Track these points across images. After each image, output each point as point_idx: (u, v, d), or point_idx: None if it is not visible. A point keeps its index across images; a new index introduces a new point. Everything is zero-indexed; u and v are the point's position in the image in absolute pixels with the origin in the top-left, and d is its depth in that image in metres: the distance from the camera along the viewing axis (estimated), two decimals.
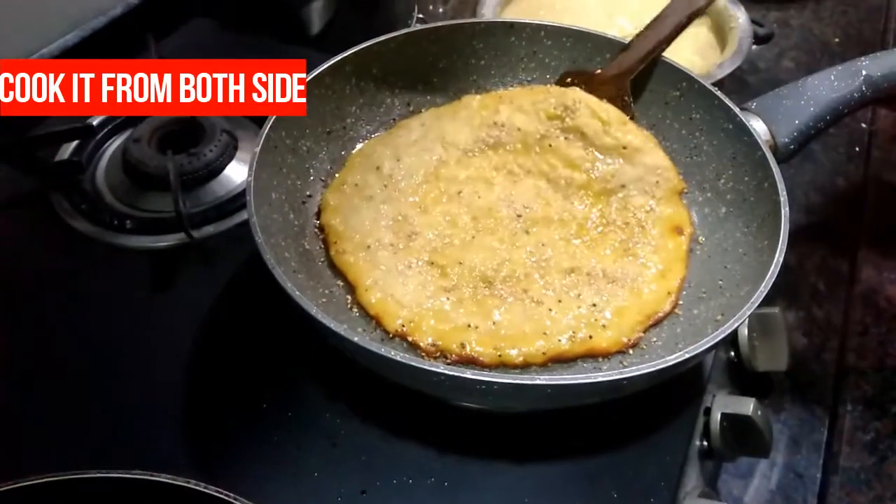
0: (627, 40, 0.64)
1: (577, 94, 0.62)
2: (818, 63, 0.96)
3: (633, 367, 0.43)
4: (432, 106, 0.67)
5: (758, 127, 0.57)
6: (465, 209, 0.58)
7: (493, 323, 0.51)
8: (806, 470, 0.57)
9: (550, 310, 0.52)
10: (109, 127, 0.74)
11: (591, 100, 0.62)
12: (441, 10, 1.04)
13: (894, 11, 1.04)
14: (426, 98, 0.67)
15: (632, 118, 0.62)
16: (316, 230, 0.58)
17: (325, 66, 0.60)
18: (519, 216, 0.58)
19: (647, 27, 0.63)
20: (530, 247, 0.56)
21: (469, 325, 0.51)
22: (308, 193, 0.60)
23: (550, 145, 0.61)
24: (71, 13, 0.80)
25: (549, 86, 0.64)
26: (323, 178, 0.62)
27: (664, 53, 0.63)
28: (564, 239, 0.57)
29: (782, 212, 0.51)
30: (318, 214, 0.59)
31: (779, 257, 0.48)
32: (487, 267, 0.54)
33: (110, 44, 0.82)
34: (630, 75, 0.62)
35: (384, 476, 0.48)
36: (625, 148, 0.60)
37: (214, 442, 0.51)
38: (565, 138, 0.61)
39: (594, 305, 0.52)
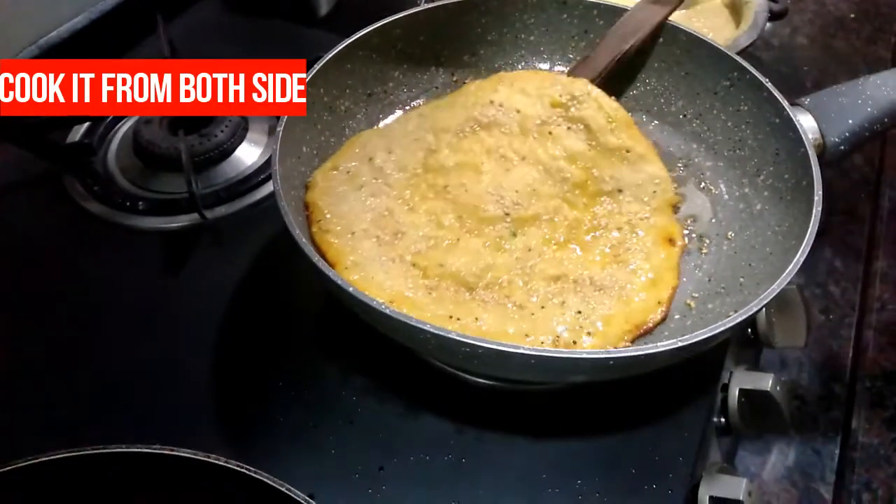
0: (680, 24, 0.62)
1: (586, 85, 0.60)
2: (833, 39, 0.94)
3: (618, 350, 0.42)
4: (477, 76, 0.65)
5: (806, 123, 0.54)
6: (451, 206, 0.55)
7: (476, 319, 0.49)
8: (824, 446, 0.57)
9: (532, 314, 0.50)
10: None
11: (602, 94, 0.59)
12: None
13: None
14: (471, 70, 0.66)
15: None
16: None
17: (374, 27, 0.60)
18: (507, 214, 0.55)
19: (606, 38, 0.62)
20: (517, 251, 0.53)
21: (451, 317, 0.49)
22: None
23: (550, 132, 0.58)
24: None
25: (557, 73, 0.63)
26: None
27: (709, 37, 0.61)
28: (553, 242, 0.54)
29: (814, 211, 0.48)
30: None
31: (800, 257, 0.45)
32: (470, 272, 0.52)
33: (119, 26, 0.81)
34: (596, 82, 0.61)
35: (401, 453, 0.48)
36: (628, 151, 0.58)
37: (232, 420, 0.51)
38: (568, 128, 0.58)
39: (579, 313, 0.50)
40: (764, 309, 0.56)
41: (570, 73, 0.63)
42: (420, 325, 0.41)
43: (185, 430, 0.50)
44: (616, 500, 0.46)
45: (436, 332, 0.41)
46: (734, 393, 0.52)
